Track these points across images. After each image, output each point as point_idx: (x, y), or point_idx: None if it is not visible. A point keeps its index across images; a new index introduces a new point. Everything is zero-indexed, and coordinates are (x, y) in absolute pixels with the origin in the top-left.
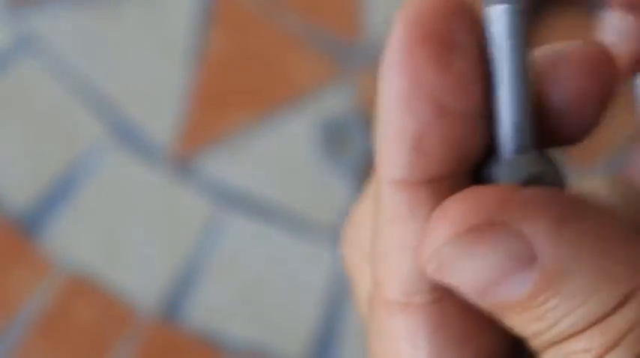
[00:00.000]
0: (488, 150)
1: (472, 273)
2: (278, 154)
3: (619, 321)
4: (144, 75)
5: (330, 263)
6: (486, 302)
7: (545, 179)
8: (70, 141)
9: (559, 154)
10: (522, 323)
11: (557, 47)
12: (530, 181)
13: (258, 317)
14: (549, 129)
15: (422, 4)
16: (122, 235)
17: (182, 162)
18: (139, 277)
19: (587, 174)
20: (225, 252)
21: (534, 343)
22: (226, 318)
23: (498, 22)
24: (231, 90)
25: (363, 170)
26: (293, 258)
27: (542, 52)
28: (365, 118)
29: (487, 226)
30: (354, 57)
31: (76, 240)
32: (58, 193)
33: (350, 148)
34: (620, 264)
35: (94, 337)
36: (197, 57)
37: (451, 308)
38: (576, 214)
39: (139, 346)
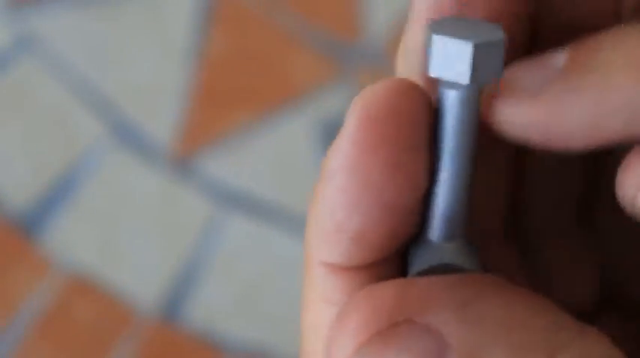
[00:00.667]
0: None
1: None
2: (278, 154)
3: None
4: (144, 75)
5: None
6: None
7: (455, 269)
8: (70, 141)
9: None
10: None
11: None
12: (438, 270)
13: (258, 317)
14: None
15: (378, 97)
16: (122, 235)
17: (182, 162)
18: (139, 277)
19: None
20: (225, 252)
21: None
22: (226, 318)
23: (449, 106)
24: (231, 90)
25: None
26: (293, 258)
27: None
28: None
29: (390, 329)
30: (353, 57)
31: (76, 240)
32: (58, 193)
33: None
34: (533, 334)
35: (94, 337)
36: (197, 57)
37: None
38: (480, 294)
39: (139, 346)
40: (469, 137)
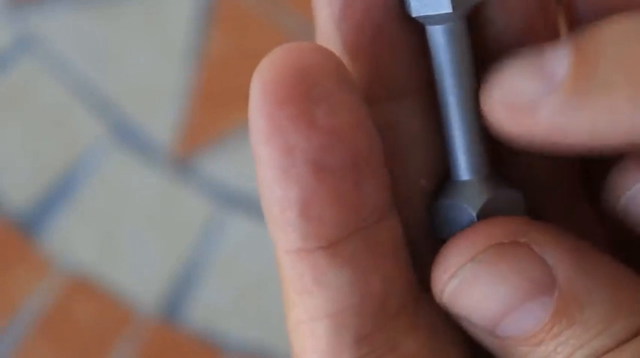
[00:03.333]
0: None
1: (491, 296)
2: None
3: (627, 354)
4: (144, 75)
5: None
6: (498, 334)
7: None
8: (70, 141)
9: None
10: None
11: None
12: (457, 207)
13: (258, 317)
14: None
15: (273, 60)
16: (122, 235)
17: (182, 162)
18: (139, 277)
19: None
20: (225, 252)
21: None
22: (226, 318)
23: (439, 44)
24: (231, 90)
25: None
26: None
27: None
28: None
29: (510, 245)
30: None
31: (76, 240)
32: (58, 193)
33: None
34: (634, 297)
35: (94, 337)
36: (197, 57)
37: None
38: (593, 248)
39: (139, 346)
40: (466, 68)
